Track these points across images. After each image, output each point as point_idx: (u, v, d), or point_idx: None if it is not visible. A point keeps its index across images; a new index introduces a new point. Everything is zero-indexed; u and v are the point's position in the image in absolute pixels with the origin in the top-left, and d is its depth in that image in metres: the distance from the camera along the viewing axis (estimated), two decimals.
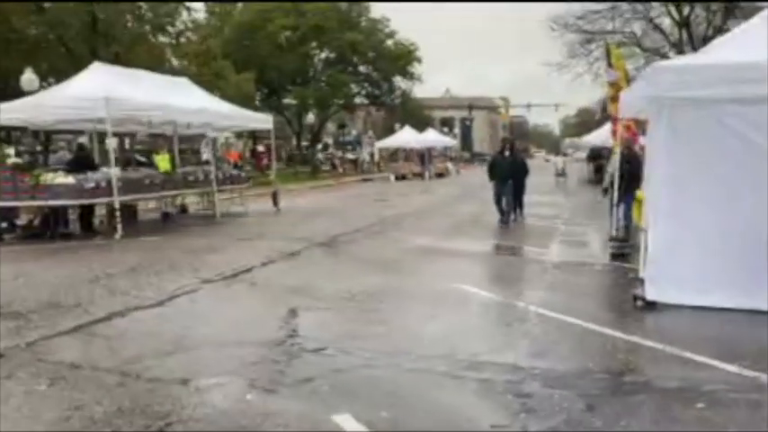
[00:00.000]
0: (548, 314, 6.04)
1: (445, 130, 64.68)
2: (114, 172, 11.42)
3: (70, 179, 11.32)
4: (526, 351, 4.99)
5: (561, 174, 31.08)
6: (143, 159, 29.67)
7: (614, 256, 9.03)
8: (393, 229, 12.87)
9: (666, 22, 26.23)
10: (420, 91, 52.17)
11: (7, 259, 9.07)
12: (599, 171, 27.46)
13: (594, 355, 4.91)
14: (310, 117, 37.01)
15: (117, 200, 11.19)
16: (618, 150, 10.67)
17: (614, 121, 12.05)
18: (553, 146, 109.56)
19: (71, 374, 4.35)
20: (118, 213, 11.17)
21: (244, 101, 29.73)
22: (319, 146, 39.53)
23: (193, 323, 5.74)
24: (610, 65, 12.28)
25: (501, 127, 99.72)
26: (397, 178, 33.77)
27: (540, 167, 47.07)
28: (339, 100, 41.19)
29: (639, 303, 6.36)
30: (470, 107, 69.43)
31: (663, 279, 6.22)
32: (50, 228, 11.71)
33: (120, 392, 4.03)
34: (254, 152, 37.86)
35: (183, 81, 15.02)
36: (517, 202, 14.32)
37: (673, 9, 25.25)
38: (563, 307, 6.27)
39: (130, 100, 11.50)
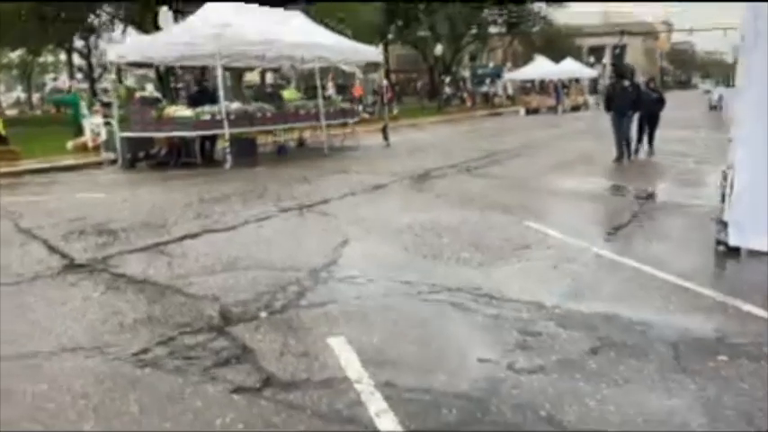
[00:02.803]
0: (608, 256, 5.70)
1: (591, 59, 60.30)
2: (224, 105, 12.16)
3: (188, 112, 12.28)
4: (560, 291, 4.77)
5: (716, 106, 28.01)
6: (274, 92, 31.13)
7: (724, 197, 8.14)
8: (495, 164, 12.53)
9: None
10: (568, 17, 48.84)
11: (127, 184, 10.19)
12: None
13: (635, 300, 4.58)
14: (438, 49, 36.17)
15: (227, 131, 11.96)
16: None
17: None
18: (724, 74, 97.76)
19: (125, 285, 4.91)
20: (227, 144, 11.96)
21: (371, 34, 29.81)
22: (447, 79, 38.61)
23: (251, 247, 6.13)
24: None
25: (659, 55, 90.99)
26: (528, 112, 32.42)
27: (698, 100, 42.75)
28: (472, 29, 39.77)
29: (721, 249, 5.79)
30: (622, 32, 63.73)
31: (748, 223, 5.58)
32: (174, 157, 12.88)
33: (156, 304, 4.49)
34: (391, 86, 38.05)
35: (297, 14, 15.33)
36: (648, 137, 13.40)
37: None
38: (632, 250, 5.87)
39: (240, 36, 12.04)
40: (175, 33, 12.30)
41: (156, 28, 17.52)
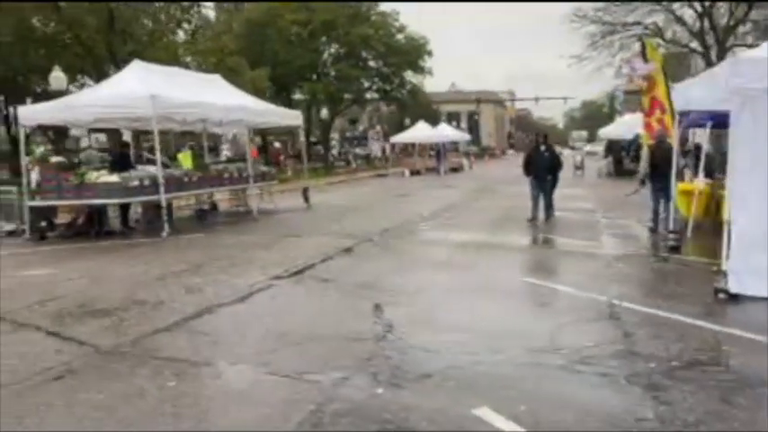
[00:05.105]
0: (634, 308, 6.00)
1: (453, 124, 64.58)
2: (159, 170, 11.40)
3: (114, 178, 11.32)
4: (632, 345, 4.96)
5: (579, 167, 30.99)
6: (151, 157, 29.53)
7: (672, 249, 9.01)
8: (433, 225, 12.83)
9: (688, 13, 26.18)
10: (426, 85, 52.07)
11: (62, 258, 9.07)
12: (619, 163, 27.44)
13: (703, 347, 4.86)
14: (324, 113, 36.87)
15: (163, 198, 11.19)
16: (650, 144, 10.69)
17: (648, 113, 12.03)
18: (558, 139, 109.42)
19: (194, 370, 4.34)
20: (164, 211, 11.16)
21: (256, 97, 29.68)
22: (333, 142, 39.31)
23: (285, 319, 5.73)
24: (645, 58, 12.24)
25: (507, 121, 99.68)
26: (411, 173, 33.72)
27: None
28: (350, 95, 41.09)
29: (722, 296, 6.34)
30: (478, 101, 69.18)
31: (746, 272, 6.21)
32: (94, 226, 11.73)
33: (253, 387, 4.03)
34: (264, 148, 37.73)
35: (216, 78, 14.99)
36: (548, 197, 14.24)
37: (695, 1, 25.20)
38: (645, 300, 6.25)
39: (173, 98, 11.48)
40: (100, 95, 11.41)
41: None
